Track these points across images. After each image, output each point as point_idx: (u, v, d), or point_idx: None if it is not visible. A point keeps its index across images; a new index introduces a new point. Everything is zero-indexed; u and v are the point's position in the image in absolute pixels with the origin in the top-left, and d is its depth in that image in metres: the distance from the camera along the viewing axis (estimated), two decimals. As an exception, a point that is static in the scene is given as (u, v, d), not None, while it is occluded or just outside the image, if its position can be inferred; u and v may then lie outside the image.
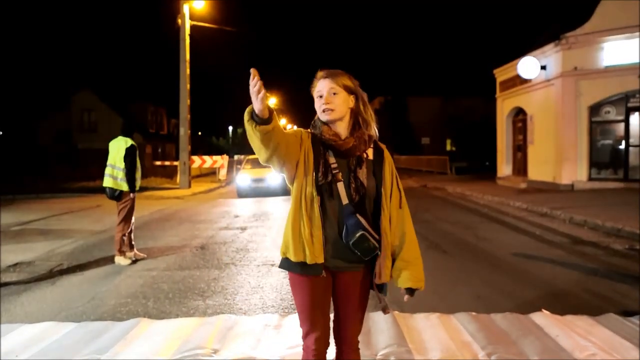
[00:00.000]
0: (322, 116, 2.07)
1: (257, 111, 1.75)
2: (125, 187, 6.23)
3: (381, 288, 2.13)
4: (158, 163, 26.71)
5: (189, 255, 6.79)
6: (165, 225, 9.66)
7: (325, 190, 2.02)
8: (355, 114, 2.11)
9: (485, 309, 4.14)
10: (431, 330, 3.62)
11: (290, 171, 2.04)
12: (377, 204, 2.08)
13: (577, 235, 7.88)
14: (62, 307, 4.59)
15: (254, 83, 1.70)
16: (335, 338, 2.20)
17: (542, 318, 3.83)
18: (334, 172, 2.03)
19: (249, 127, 1.79)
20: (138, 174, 6.40)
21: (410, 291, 2.13)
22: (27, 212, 11.87)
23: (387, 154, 2.16)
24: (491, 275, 5.51)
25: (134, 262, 6.30)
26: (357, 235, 1.96)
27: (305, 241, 1.99)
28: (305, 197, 2.01)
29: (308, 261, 1.99)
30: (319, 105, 2.07)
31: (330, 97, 2.04)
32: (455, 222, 9.52)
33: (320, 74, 2.09)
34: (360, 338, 2.24)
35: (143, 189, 15.39)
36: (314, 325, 2.09)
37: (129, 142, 6.33)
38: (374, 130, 2.15)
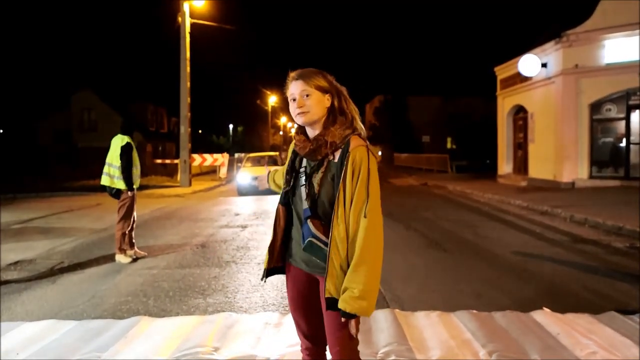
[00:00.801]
0: (297, 120, 1.97)
1: None
2: (121, 185, 6.19)
3: (334, 306, 1.85)
4: (158, 161, 26.70)
5: (189, 253, 6.79)
6: (166, 224, 9.66)
7: (291, 195, 2.04)
8: (330, 112, 1.98)
9: (486, 307, 4.13)
10: (432, 328, 3.62)
11: None
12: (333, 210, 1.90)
13: (578, 234, 7.88)
14: (62, 305, 4.59)
15: None
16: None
17: (543, 316, 3.82)
18: (300, 176, 2.01)
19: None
20: (136, 172, 6.34)
21: (345, 314, 1.82)
22: (27, 210, 11.87)
23: (354, 154, 1.85)
24: (492, 273, 5.51)
25: (135, 260, 6.30)
26: (306, 241, 1.91)
27: (269, 250, 2.15)
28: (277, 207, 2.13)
29: (265, 266, 2.18)
30: (292, 109, 1.96)
31: (303, 99, 1.93)
32: (456, 220, 9.52)
33: (291, 75, 1.98)
34: (360, 337, 2.19)
35: (143, 187, 15.41)
36: (298, 322, 2.16)
37: (124, 139, 6.27)
38: (359, 125, 2.00)
